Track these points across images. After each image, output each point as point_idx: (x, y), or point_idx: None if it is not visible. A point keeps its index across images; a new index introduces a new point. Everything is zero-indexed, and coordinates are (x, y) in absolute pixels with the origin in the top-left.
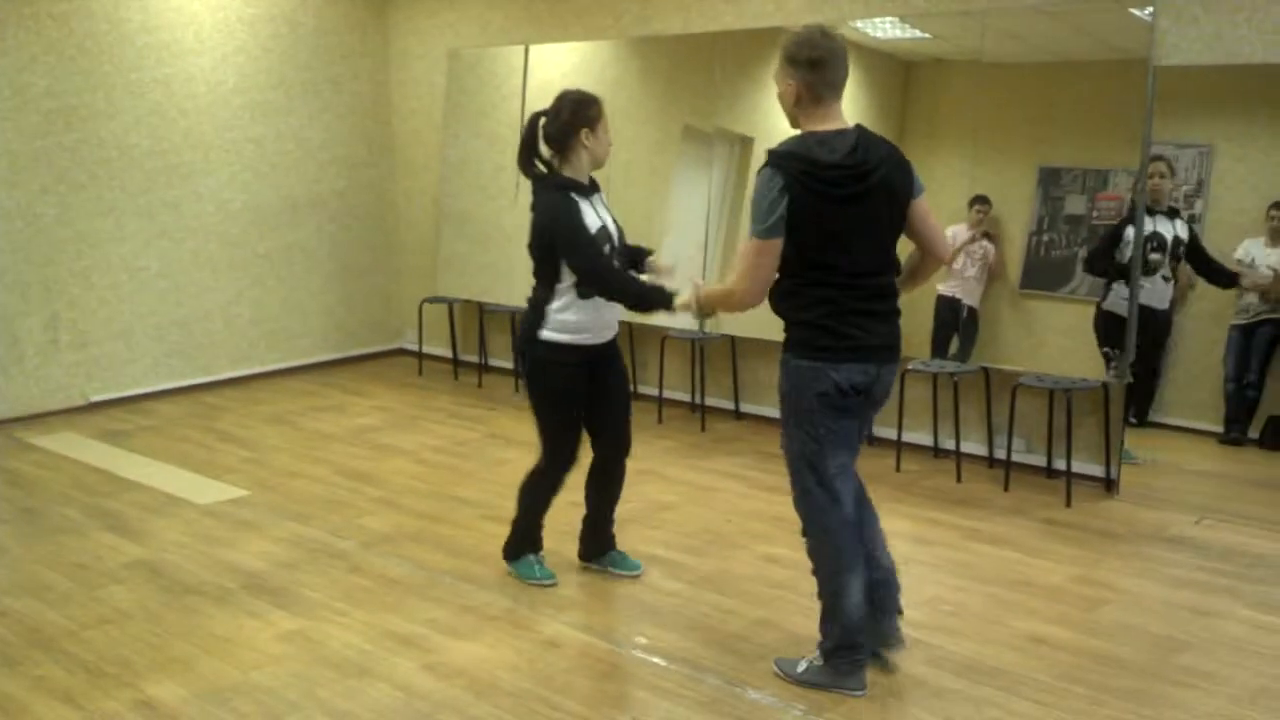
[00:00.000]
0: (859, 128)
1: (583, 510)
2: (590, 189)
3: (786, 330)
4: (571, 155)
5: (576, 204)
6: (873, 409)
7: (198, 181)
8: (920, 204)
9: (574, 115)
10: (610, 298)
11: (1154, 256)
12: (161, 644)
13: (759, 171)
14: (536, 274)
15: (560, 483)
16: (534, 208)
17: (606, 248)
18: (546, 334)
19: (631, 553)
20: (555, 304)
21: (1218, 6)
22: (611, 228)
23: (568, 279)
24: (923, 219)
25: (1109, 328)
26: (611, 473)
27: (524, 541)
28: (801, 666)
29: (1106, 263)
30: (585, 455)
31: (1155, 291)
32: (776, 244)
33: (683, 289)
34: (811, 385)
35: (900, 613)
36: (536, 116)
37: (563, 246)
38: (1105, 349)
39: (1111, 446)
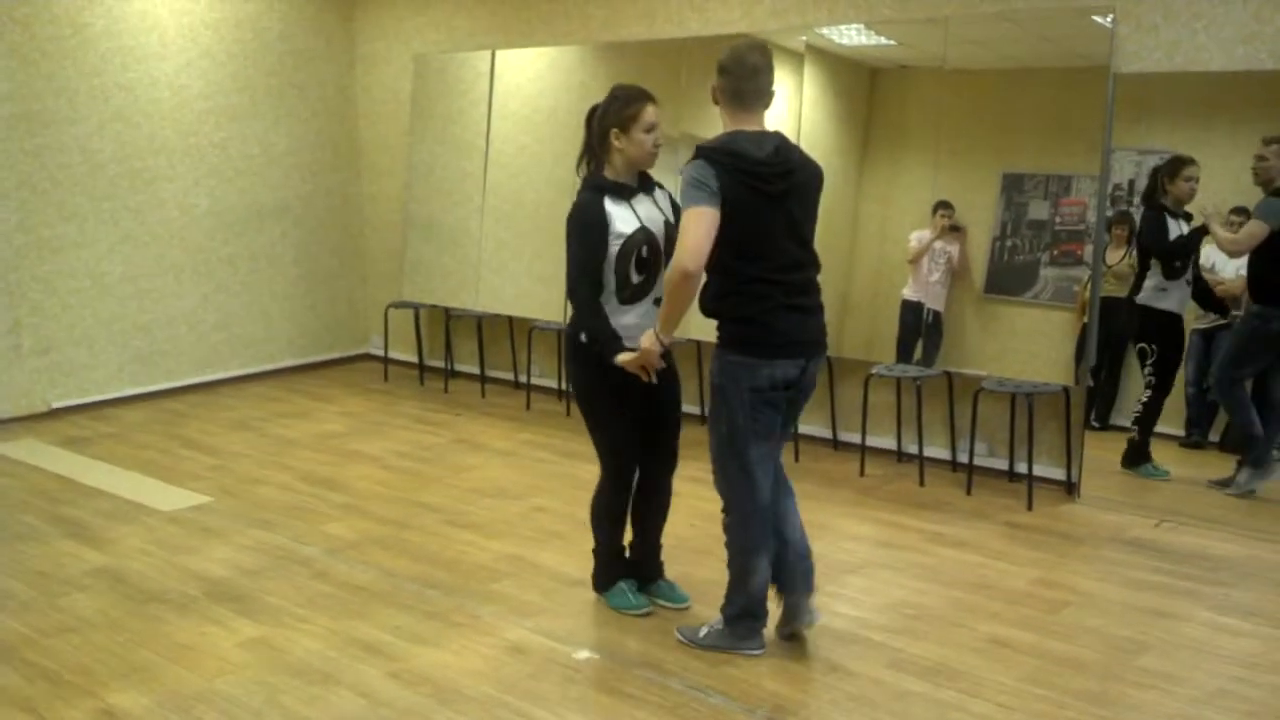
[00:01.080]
0: (778, 132)
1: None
2: (634, 189)
3: (719, 327)
4: (605, 155)
5: (598, 207)
6: (802, 400)
7: (161, 186)
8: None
9: (605, 114)
10: (573, 318)
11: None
12: (124, 652)
13: (688, 164)
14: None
15: (624, 500)
16: None
17: (645, 249)
18: (587, 338)
19: (588, 554)
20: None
21: (1177, 15)
22: (656, 228)
23: (611, 282)
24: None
25: (1145, 323)
26: (660, 487)
27: (607, 570)
28: (703, 632)
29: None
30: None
31: (1181, 295)
32: (714, 214)
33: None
34: (745, 380)
35: (812, 591)
36: (591, 112)
37: (569, 253)
38: (1142, 344)
39: (1073, 450)
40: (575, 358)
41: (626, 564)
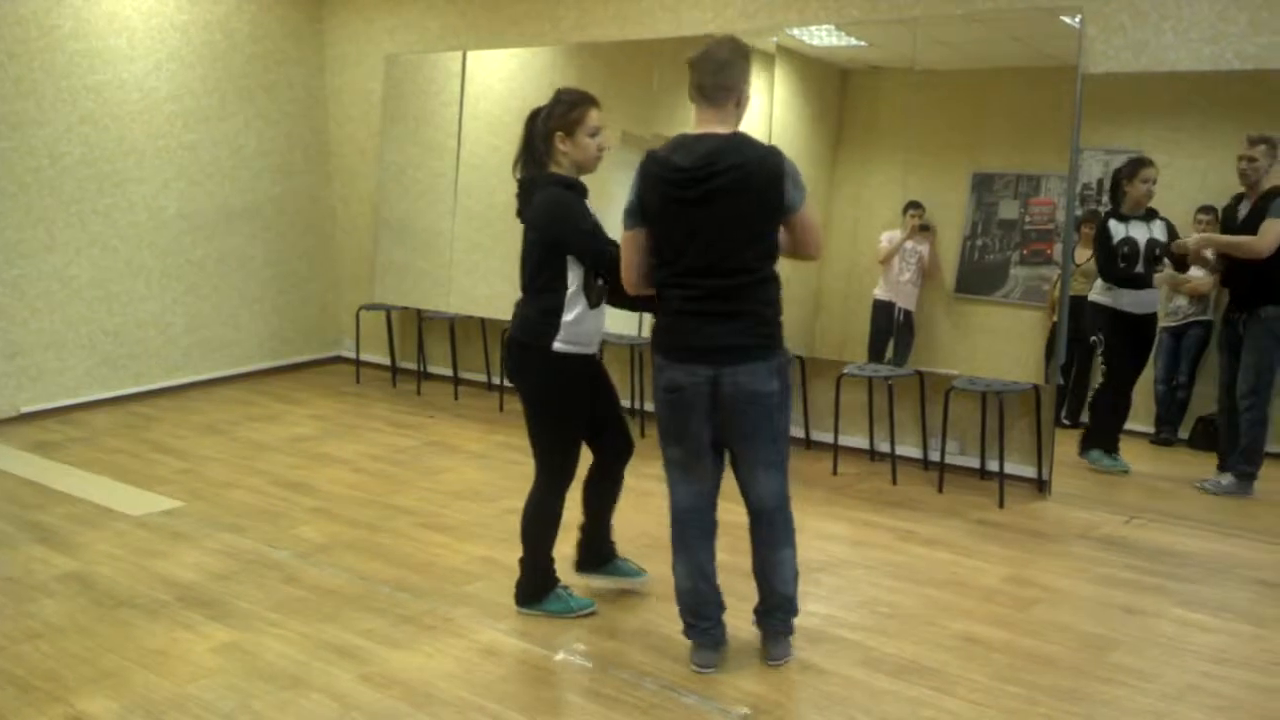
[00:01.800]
0: (729, 135)
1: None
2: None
3: None
4: (549, 158)
5: (579, 200)
6: (729, 414)
7: (130, 189)
8: (797, 216)
9: (549, 116)
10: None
11: (1123, 265)
12: (93, 658)
13: None
14: (536, 283)
15: (563, 502)
16: (529, 210)
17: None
18: (560, 346)
19: (567, 559)
20: (569, 314)
21: (1144, 16)
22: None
23: (575, 284)
24: (795, 229)
25: (1094, 316)
26: (614, 475)
27: (544, 579)
28: None
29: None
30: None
31: (1132, 297)
32: (633, 234)
33: None
34: (657, 378)
35: (785, 634)
36: (533, 115)
37: (574, 240)
38: (1093, 336)
39: (1043, 448)
40: (547, 363)
41: (553, 573)
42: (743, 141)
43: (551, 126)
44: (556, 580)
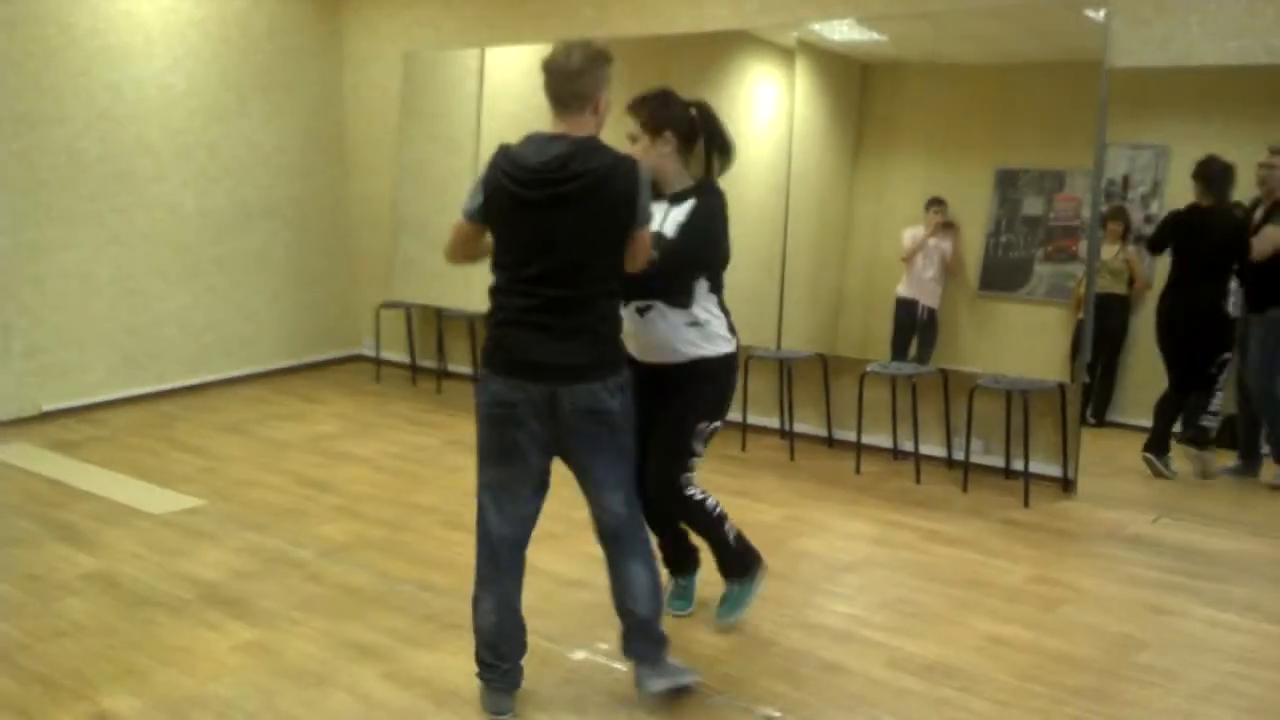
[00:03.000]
0: (584, 140)
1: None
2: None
3: None
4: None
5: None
6: (568, 434)
7: (149, 187)
8: (639, 236)
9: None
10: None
11: None
12: (117, 656)
13: None
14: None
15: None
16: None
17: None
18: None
19: (589, 557)
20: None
21: (1169, 10)
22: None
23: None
24: (635, 243)
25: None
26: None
27: (746, 556)
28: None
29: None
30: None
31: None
32: (469, 226)
33: None
34: (480, 393)
35: (655, 660)
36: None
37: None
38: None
39: (1069, 447)
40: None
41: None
42: (596, 148)
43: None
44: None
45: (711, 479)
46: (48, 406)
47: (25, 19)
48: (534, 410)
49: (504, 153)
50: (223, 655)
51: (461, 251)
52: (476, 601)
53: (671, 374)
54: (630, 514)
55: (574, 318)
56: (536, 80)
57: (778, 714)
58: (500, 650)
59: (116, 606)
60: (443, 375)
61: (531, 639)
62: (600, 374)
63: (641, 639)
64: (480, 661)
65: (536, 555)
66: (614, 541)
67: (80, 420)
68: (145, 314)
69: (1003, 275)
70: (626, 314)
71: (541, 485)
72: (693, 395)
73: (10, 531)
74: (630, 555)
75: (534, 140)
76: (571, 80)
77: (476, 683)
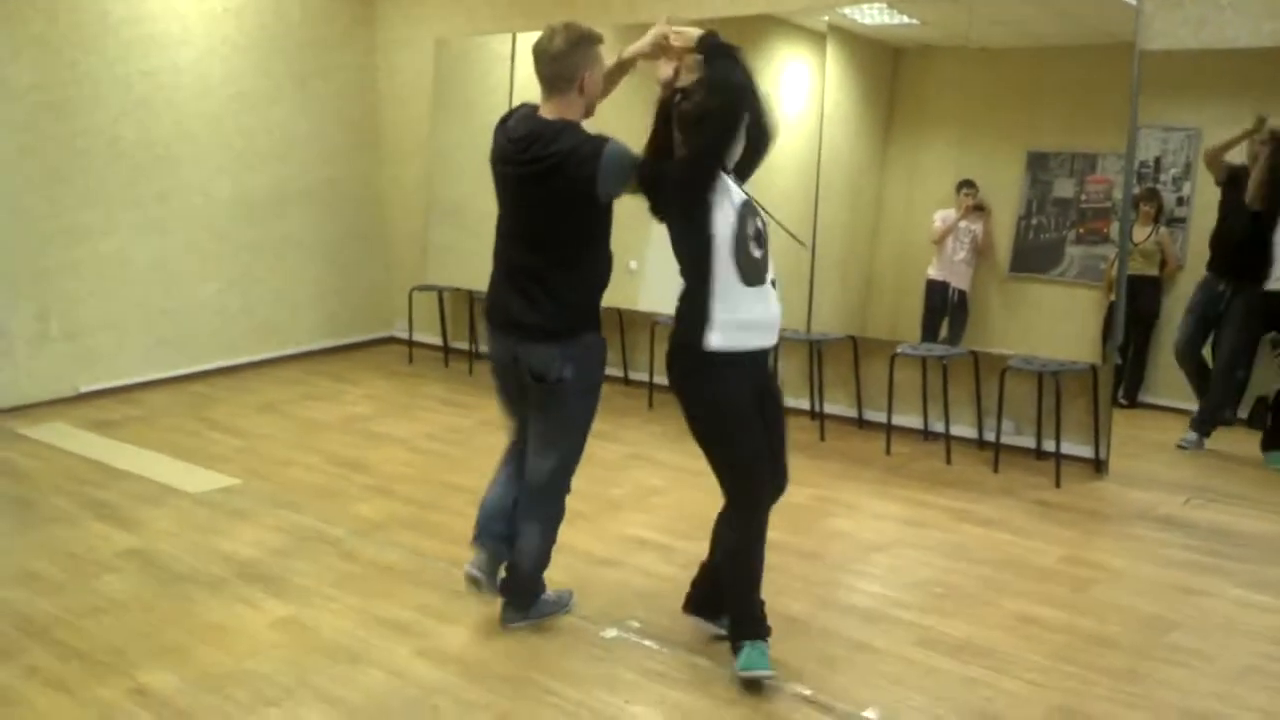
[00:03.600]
0: (553, 123)
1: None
2: None
3: None
4: None
5: None
6: (523, 387)
7: (186, 173)
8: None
9: None
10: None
11: None
12: (155, 632)
13: None
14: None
15: (765, 525)
16: None
17: (760, 221)
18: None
19: (620, 537)
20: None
21: None
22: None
23: (729, 270)
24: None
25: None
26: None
27: (757, 623)
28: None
29: None
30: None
31: None
32: None
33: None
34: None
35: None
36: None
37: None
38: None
39: (1100, 428)
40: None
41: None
42: (561, 131)
43: None
44: (768, 630)
45: None
46: (85, 388)
47: (63, 7)
48: (504, 362)
49: (503, 119)
50: (259, 632)
51: None
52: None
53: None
54: (551, 481)
55: (535, 283)
56: None
57: (809, 692)
58: (479, 520)
59: (154, 584)
60: (475, 357)
61: (564, 617)
62: (554, 338)
63: (511, 584)
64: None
65: (567, 535)
66: (524, 496)
67: (117, 401)
68: (182, 297)
69: (1034, 257)
70: (758, 294)
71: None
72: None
73: (49, 510)
74: (530, 516)
75: (521, 112)
76: (555, 62)
77: (513, 662)
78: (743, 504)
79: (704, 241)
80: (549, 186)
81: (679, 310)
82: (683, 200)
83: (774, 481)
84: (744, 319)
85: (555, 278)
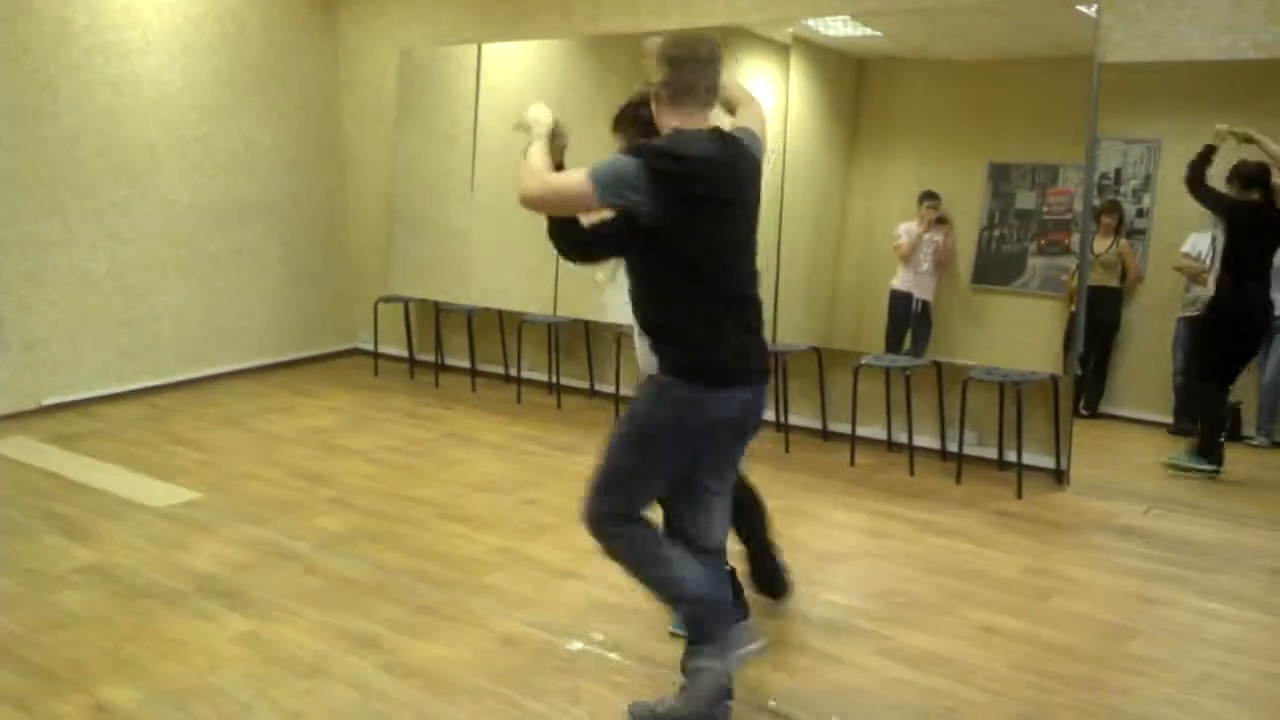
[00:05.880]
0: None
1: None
2: None
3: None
4: None
5: None
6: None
7: (145, 182)
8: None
9: None
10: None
11: None
12: (115, 648)
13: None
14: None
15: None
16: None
17: None
18: None
19: (584, 549)
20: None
21: (1160, 5)
22: None
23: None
24: None
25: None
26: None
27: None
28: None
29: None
30: None
31: None
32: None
33: None
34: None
35: None
36: None
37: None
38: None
39: (1061, 438)
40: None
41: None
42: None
43: None
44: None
45: None
46: (46, 400)
47: (22, 14)
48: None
49: (707, 148)
50: (220, 647)
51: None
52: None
53: None
54: (589, 514)
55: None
56: (532, 77)
57: (772, 702)
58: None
59: (114, 599)
60: (440, 369)
61: (527, 630)
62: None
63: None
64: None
65: (530, 547)
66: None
67: (78, 414)
68: (142, 308)
69: (996, 268)
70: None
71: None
72: None
73: (7, 524)
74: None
75: (700, 137)
76: (708, 71)
77: (477, 675)
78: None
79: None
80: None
81: None
82: None
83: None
84: None
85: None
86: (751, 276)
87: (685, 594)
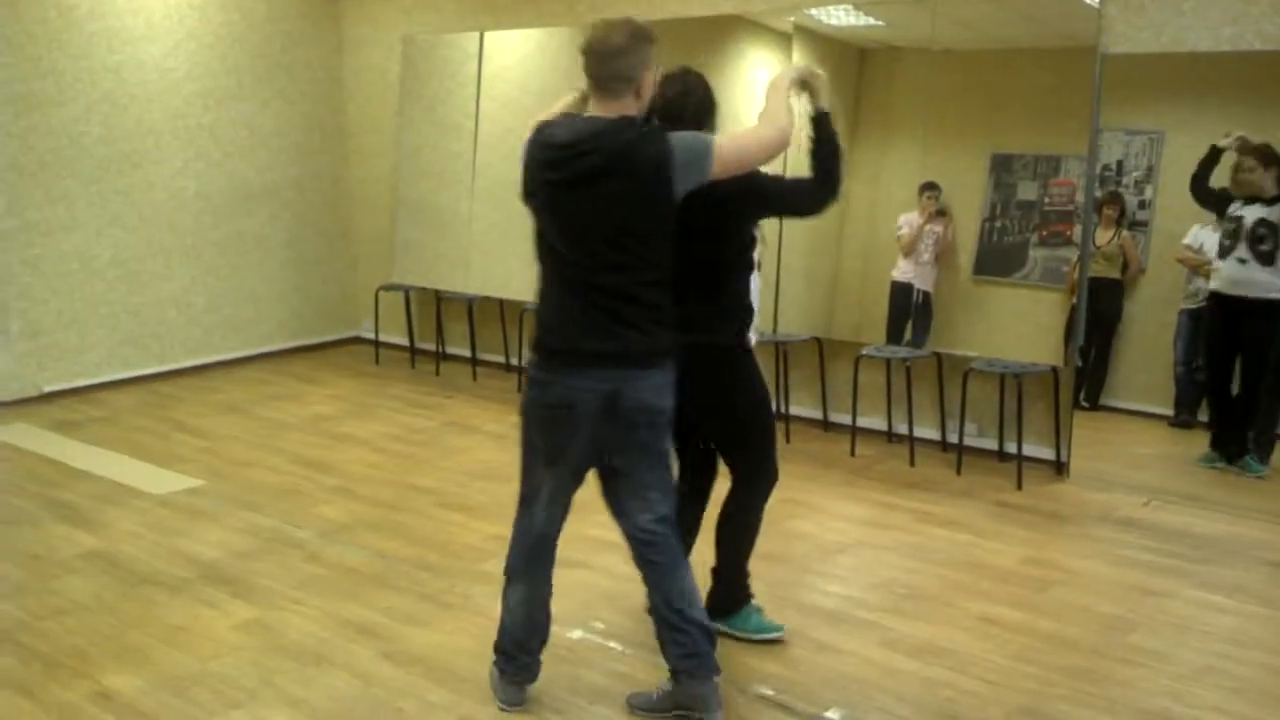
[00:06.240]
0: (610, 118)
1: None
2: None
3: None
4: None
5: None
6: (621, 431)
7: (149, 169)
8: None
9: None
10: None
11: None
12: (117, 635)
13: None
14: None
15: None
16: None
17: None
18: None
19: (584, 538)
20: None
21: None
22: None
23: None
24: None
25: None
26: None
27: (739, 591)
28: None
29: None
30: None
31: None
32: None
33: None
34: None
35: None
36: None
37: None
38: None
39: (1062, 430)
40: (737, 369)
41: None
42: (627, 125)
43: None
44: (750, 594)
45: None
46: (48, 388)
47: (25, 1)
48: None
49: (536, 130)
50: (222, 634)
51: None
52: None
53: None
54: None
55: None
56: (534, 64)
57: (771, 692)
58: (526, 644)
59: (117, 585)
60: (441, 358)
61: None
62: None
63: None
64: (500, 650)
65: None
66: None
67: (81, 401)
68: (145, 295)
69: (998, 259)
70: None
71: (581, 479)
72: None
73: (11, 511)
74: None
75: (559, 120)
76: (615, 59)
77: (478, 664)
78: (764, 481)
79: (747, 245)
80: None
81: (701, 314)
82: (767, 215)
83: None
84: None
85: (645, 298)
86: (618, 267)
87: (506, 587)
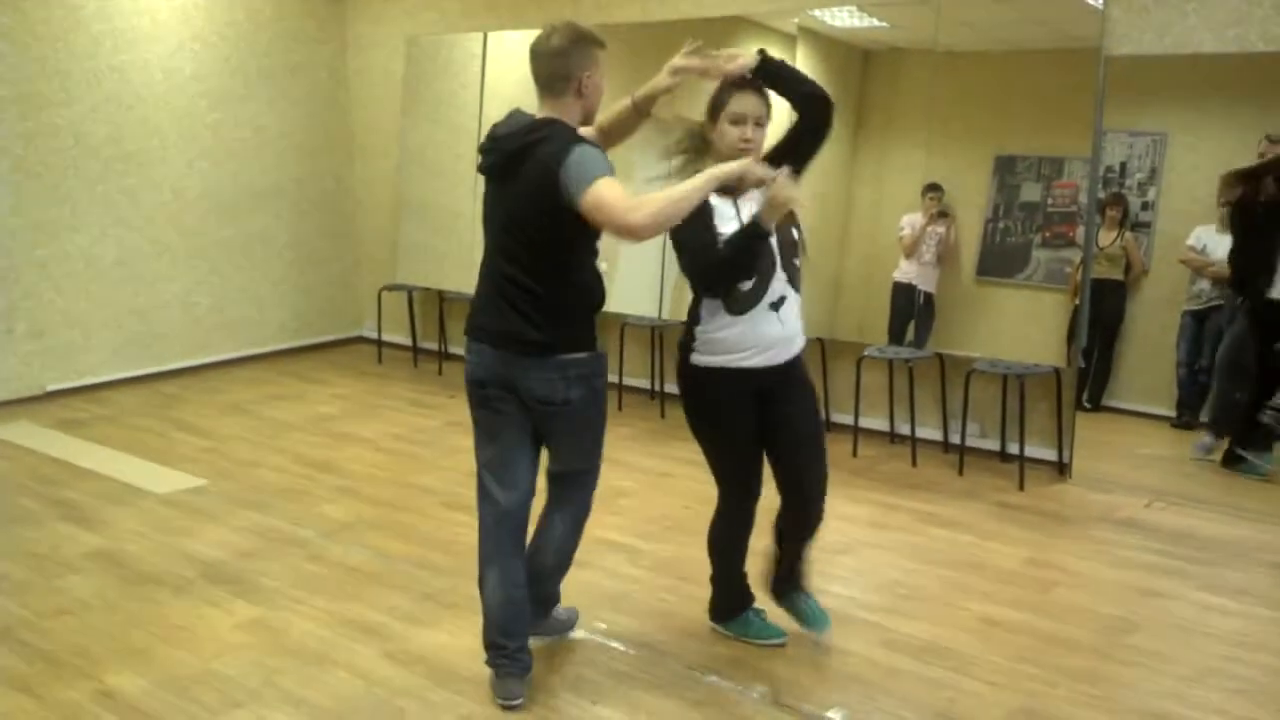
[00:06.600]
0: (542, 118)
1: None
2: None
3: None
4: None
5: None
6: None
7: (154, 170)
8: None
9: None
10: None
11: None
12: (121, 634)
13: (576, 149)
14: None
15: (749, 518)
16: None
17: None
18: (699, 359)
19: (588, 538)
20: (708, 322)
21: None
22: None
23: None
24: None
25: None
26: (792, 519)
27: (734, 598)
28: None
29: None
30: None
31: None
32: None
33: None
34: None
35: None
36: None
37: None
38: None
39: (1064, 431)
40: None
41: (748, 594)
42: (552, 124)
43: (707, 110)
44: (749, 601)
45: (705, 461)
46: (52, 386)
47: (31, 1)
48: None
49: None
50: (225, 633)
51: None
52: (482, 582)
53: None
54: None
55: (529, 295)
56: None
57: (772, 693)
58: (511, 630)
59: (120, 585)
60: (444, 357)
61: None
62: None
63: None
64: (488, 645)
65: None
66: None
67: (84, 400)
68: (149, 295)
69: (1000, 260)
70: (760, 316)
71: (533, 458)
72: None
73: (14, 510)
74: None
75: (511, 116)
76: (553, 60)
77: (479, 663)
78: (721, 501)
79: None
80: (521, 182)
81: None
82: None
83: (797, 510)
84: (726, 341)
85: (549, 287)
86: (513, 257)
87: (480, 578)
